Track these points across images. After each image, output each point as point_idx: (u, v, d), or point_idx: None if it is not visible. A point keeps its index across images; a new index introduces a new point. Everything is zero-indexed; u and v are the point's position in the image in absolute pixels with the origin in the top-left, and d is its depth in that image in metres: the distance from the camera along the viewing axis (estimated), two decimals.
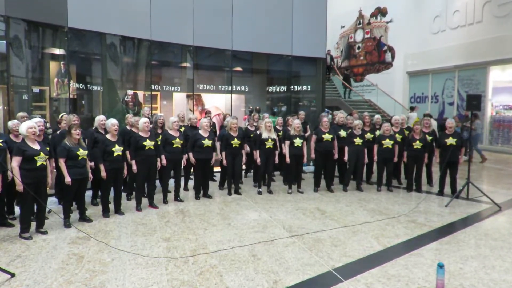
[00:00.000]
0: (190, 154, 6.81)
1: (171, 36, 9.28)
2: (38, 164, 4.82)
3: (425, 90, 17.80)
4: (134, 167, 6.08)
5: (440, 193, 7.36)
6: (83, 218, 5.57)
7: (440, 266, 3.41)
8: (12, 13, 6.96)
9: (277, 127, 8.24)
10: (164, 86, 10.63)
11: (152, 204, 6.40)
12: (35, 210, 5.17)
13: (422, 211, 6.28)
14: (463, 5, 15.84)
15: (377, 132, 7.93)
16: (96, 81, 9.10)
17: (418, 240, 4.95)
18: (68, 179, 5.16)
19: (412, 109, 14.90)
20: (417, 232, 5.23)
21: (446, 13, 16.62)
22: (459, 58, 15.86)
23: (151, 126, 6.43)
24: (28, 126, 4.80)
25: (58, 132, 6.13)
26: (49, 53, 8.40)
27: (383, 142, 7.48)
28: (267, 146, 7.28)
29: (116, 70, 9.22)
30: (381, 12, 19.78)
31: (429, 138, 7.62)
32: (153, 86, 9.60)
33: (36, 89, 8.16)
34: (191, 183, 7.71)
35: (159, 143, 6.46)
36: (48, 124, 6.51)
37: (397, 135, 7.67)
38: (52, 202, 6.32)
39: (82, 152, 5.32)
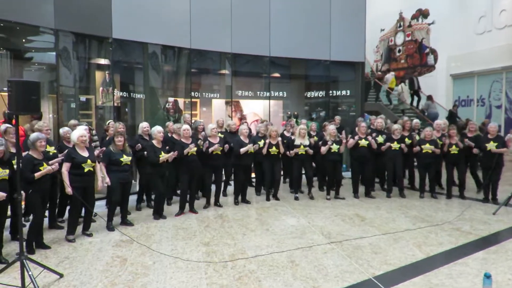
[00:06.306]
0: (242, 149, 6.82)
1: (210, 44, 9.46)
2: (86, 170, 5.05)
3: (470, 93, 17.11)
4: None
5: (486, 200, 7.06)
6: (125, 222, 5.76)
7: (487, 276, 3.29)
8: (61, 26, 7.35)
9: (311, 132, 8.12)
10: (204, 93, 10.85)
11: (192, 209, 6.53)
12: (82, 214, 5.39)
13: (467, 218, 6.05)
14: (510, 4, 15.14)
15: (417, 137, 7.70)
16: (138, 89, 9.42)
17: (463, 248, 4.77)
18: (106, 182, 5.38)
19: (388, 71, 14.31)
20: (462, 241, 5.03)
21: (492, 13, 15.93)
22: (507, 59, 15.13)
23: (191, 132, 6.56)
24: (79, 135, 5.07)
25: (107, 139, 6.41)
26: (95, 63, 8.80)
27: (423, 146, 7.26)
28: (299, 152, 7.25)
29: (158, 78, 9.50)
30: (422, 14, 19.25)
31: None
32: (193, 93, 9.81)
33: (83, 98, 8.56)
34: (229, 189, 7.80)
35: (200, 147, 6.58)
36: (94, 131, 6.79)
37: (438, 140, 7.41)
38: (98, 206, 6.57)
39: (126, 158, 5.52)
